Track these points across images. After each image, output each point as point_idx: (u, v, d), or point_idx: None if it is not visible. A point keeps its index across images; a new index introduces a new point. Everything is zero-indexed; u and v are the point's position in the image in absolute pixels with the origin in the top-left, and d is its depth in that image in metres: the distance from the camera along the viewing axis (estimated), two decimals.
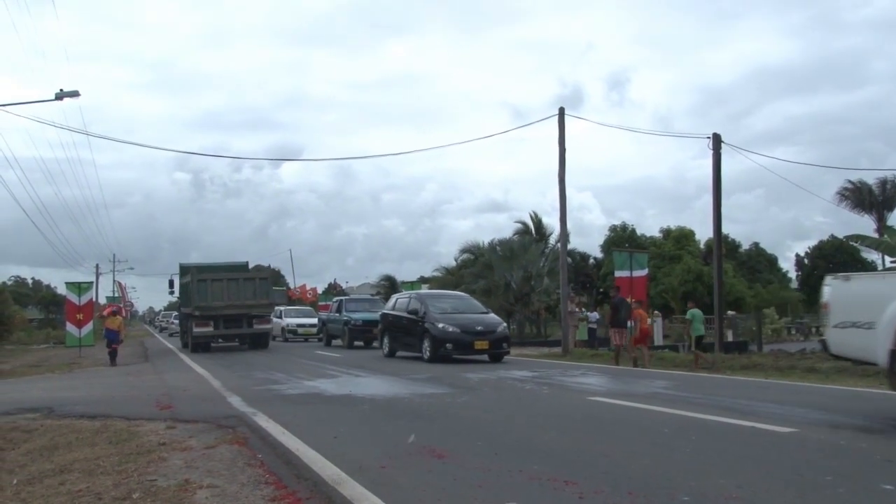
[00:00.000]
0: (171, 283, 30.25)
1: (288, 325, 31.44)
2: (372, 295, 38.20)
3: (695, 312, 16.96)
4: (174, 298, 33.43)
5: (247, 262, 27.19)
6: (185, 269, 24.93)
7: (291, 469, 5.32)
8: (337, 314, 25.58)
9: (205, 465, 5.57)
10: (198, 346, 22.91)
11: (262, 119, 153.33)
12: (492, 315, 17.55)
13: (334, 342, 26.03)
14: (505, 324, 16.93)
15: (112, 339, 20.14)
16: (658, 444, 6.01)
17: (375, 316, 21.92)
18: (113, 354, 19.70)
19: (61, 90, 19.69)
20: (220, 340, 24.34)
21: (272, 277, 30.76)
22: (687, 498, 4.26)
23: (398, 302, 18.88)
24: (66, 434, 7.40)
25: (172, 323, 44.94)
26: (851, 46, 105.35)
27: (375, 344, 21.91)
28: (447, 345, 15.46)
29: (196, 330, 22.67)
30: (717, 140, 19.90)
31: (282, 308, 33.25)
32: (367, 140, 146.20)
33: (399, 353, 17.94)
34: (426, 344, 15.93)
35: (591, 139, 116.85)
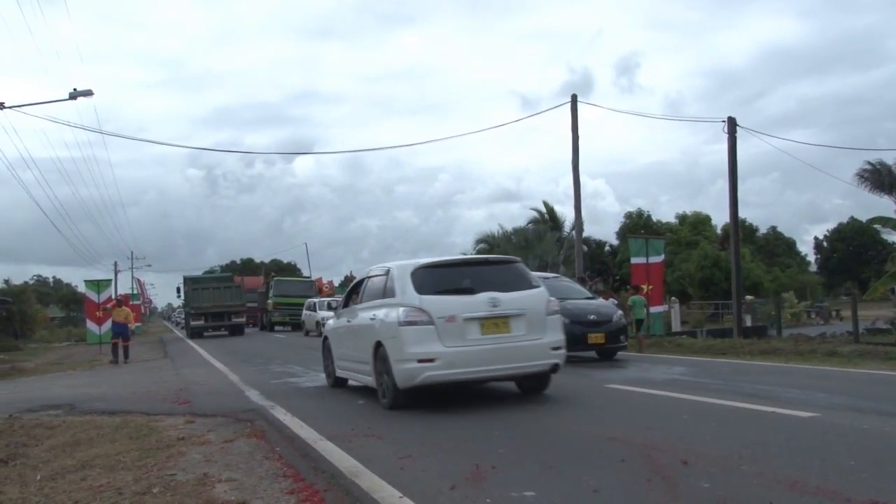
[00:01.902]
0: (178, 290, 39.26)
1: (323, 319, 30.45)
2: None
3: (636, 299, 16.88)
4: (180, 301, 42.88)
5: (231, 275, 40.51)
6: (185, 280, 34.91)
7: (309, 462, 5.33)
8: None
9: (223, 458, 5.60)
10: (194, 334, 31.94)
11: (274, 114, 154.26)
12: (601, 300, 14.63)
13: None
14: (620, 311, 13.93)
15: (121, 333, 18.81)
16: (677, 431, 5.96)
17: None
18: (118, 350, 18.39)
19: (75, 90, 19.82)
20: (210, 330, 32.70)
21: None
22: (707, 485, 4.22)
23: None
24: (88, 430, 7.48)
25: (181, 318, 53.26)
26: (866, 25, 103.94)
27: None
28: None
29: (192, 323, 32.44)
30: (732, 124, 19.69)
31: (314, 300, 31.00)
32: (378, 132, 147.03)
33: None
34: None
35: (603, 126, 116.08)
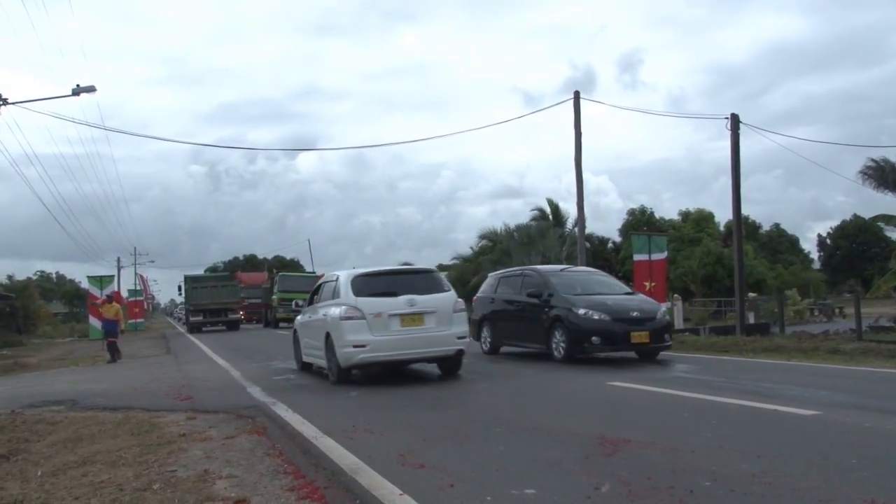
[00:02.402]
0: (179, 288, 41.05)
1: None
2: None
3: None
4: (181, 299, 44.53)
5: (228, 274, 44.02)
6: (186, 279, 37.07)
7: (310, 458, 5.33)
8: None
9: (224, 455, 5.60)
10: (193, 329, 34.64)
11: (277, 110, 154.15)
12: (643, 296, 13.55)
13: None
14: (664, 307, 12.83)
15: (110, 331, 18.21)
16: (678, 429, 5.95)
17: None
18: (111, 348, 17.86)
19: (78, 86, 19.80)
20: (207, 325, 35.21)
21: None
22: (708, 483, 4.21)
23: (504, 281, 14.21)
24: (90, 426, 7.49)
25: (182, 314, 54.59)
26: (870, 22, 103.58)
27: None
28: (593, 338, 11.24)
29: (192, 318, 35.46)
30: (735, 120, 19.62)
31: None
32: (381, 129, 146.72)
33: (506, 350, 13.95)
34: (558, 337, 11.68)
35: (606, 123, 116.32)
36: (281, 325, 35.60)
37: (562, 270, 14.41)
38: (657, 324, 11.72)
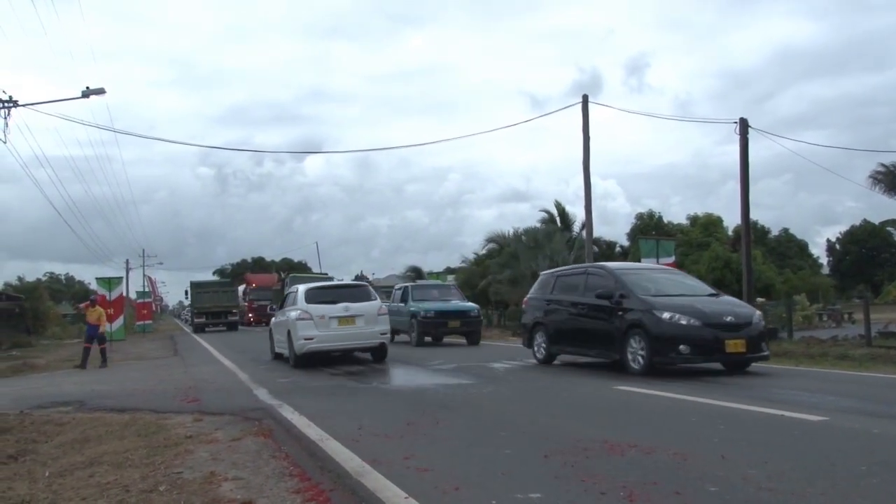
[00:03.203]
0: (186, 293, 45.31)
1: None
2: (443, 280, 32.71)
3: None
4: (188, 301, 48.25)
5: (229, 280, 50.23)
6: (192, 285, 41.47)
7: (316, 461, 5.34)
8: (401, 304, 20.72)
9: (230, 457, 5.61)
10: (198, 329, 38.52)
11: (285, 113, 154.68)
12: (731, 298, 12.08)
13: (397, 338, 20.85)
14: (759, 312, 11.31)
15: (92, 335, 17.26)
16: (685, 434, 5.93)
17: (450, 306, 19.53)
18: (86, 353, 16.69)
19: (87, 88, 19.91)
20: (210, 326, 39.12)
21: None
22: (714, 488, 4.19)
23: (562, 281, 12.68)
24: (97, 427, 7.52)
25: (189, 316, 58.86)
26: (879, 27, 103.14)
27: (447, 340, 20.26)
28: (680, 346, 9.81)
29: (196, 320, 40.01)
30: (744, 125, 19.57)
31: None
32: (389, 132, 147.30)
33: (564, 358, 12.69)
34: (636, 345, 10.20)
35: (613, 126, 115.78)
36: None
37: (634, 267, 13.08)
38: (753, 330, 10.23)
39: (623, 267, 12.72)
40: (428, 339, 19.79)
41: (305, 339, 13.03)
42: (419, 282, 25.96)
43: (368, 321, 13.37)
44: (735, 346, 9.92)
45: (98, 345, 17.36)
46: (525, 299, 14.00)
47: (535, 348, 12.80)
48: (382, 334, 13.62)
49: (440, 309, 19.25)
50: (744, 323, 10.25)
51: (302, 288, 14.31)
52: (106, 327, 19.09)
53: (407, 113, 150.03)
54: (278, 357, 15.23)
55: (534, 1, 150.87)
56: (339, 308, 13.33)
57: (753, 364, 10.52)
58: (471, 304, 20.68)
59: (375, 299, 14.05)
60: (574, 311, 11.91)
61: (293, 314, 13.57)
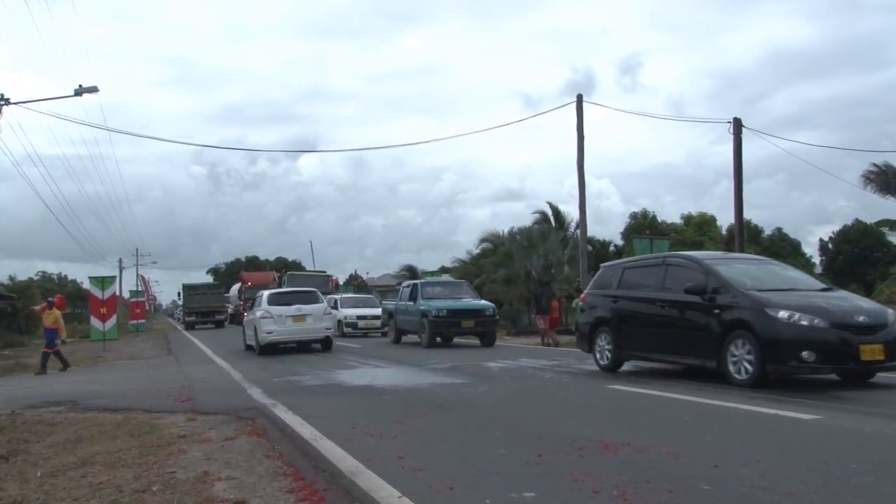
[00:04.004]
0: (178, 294, 51.26)
1: (346, 318, 25.35)
2: (451, 277, 30.61)
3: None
4: (181, 301, 52.54)
5: (218, 283, 57.89)
6: (184, 287, 45.90)
7: (309, 460, 5.33)
8: (409, 303, 19.47)
9: (223, 457, 5.59)
10: (189, 326, 42.83)
11: (281, 112, 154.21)
12: (849, 293, 10.16)
13: (405, 339, 20.29)
14: (893, 311, 9.01)
15: (50, 340, 16.24)
16: (678, 433, 5.94)
17: (464, 305, 18.34)
18: (44, 359, 15.73)
19: (80, 86, 19.85)
20: (199, 324, 42.95)
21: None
22: (708, 487, 4.20)
23: (631, 273, 10.94)
24: (89, 427, 7.49)
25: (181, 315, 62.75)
26: (871, 28, 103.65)
27: (458, 340, 19.29)
28: (803, 353, 8.02)
29: (187, 318, 44.65)
30: (738, 125, 19.63)
31: (337, 297, 27.81)
32: (384, 131, 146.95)
33: (632, 364, 11.20)
34: (741, 350, 8.45)
35: (607, 126, 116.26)
36: None
37: (723, 257, 11.09)
38: (890, 333, 8.32)
39: (713, 256, 10.83)
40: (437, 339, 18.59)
41: (267, 333, 16.83)
42: (429, 279, 24.43)
43: (316, 319, 17.19)
44: (872, 352, 8.06)
45: (51, 349, 16.18)
46: (582, 295, 12.34)
47: (598, 353, 11.06)
48: (327, 329, 17.55)
49: (453, 308, 17.99)
50: (879, 324, 8.37)
51: (265, 293, 18.44)
52: (63, 335, 17.53)
53: (403, 112, 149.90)
54: (249, 348, 18.72)
55: (528, 1, 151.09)
56: (293, 309, 17.03)
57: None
58: (485, 303, 19.43)
59: (322, 302, 17.89)
60: (652, 309, 10.10)
61: (258, 314, 17.35)
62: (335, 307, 25.68)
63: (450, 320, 17.82)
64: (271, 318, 16.78)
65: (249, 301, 45.85)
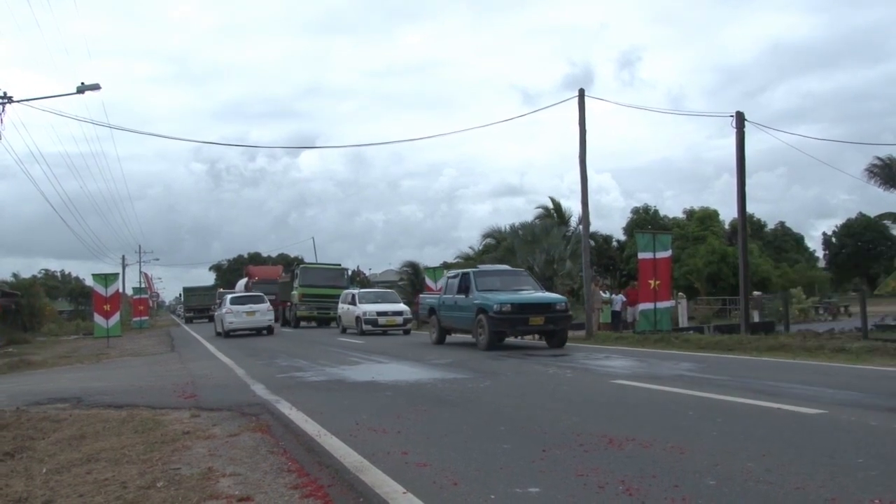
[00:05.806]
0: (180, 295, 62.91)
1: (366, 314, 23.51)
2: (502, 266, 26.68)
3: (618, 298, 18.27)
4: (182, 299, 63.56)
5: (215, 284, 68.46)
6: (184, 290, 59.28)
7: (314, 456, 5.32)
8: (460, 296, 16.26)
9: (228, 453, 5.60)
10: (187, 321, 52.32)
11: (282, 108, 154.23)
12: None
13: (449, 338, 17.82)
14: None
15: None
16: (683, 428, 5.93)
17: (532, 297, 15.23)
18: None
19: (82, 83, 19.88)
20: (195, 319, 51.22)
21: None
22: (713, 482, 4.19)
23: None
24: (94, 423, 7.49)
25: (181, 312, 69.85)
26: (874, 20, 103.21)
27: (521, 339, 16.74)
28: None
29: (185, 314, 56.13)
30: (740, 118, 19.54)
31: (354, 292, 26.06)
32: (384, 127, 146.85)
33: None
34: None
35: (608, 121, 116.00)
36: (303, 324, 31.95)
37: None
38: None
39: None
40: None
41: (229, 323, 25.00)
42: (482, 267, 19.65)
43: (262, 314, 25.50)
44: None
45: None
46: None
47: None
48: (269, 320, 25.79)
49: (519, 301, 14.77)
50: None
51: (228, 297, 27.61)
52: None
53: (402, 108, 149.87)
54: (218, 334, 26.05)
55: None
56: (246, 307, 25.40)
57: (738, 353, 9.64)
58: (556, 296, 16.29)
59: (266, 302, 26.24)
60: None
61: (223, 310, 25.91)
62: (352, 302, 24.62)
63: (515, 317, 14.47)
64: (231, 313, 25.04)
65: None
